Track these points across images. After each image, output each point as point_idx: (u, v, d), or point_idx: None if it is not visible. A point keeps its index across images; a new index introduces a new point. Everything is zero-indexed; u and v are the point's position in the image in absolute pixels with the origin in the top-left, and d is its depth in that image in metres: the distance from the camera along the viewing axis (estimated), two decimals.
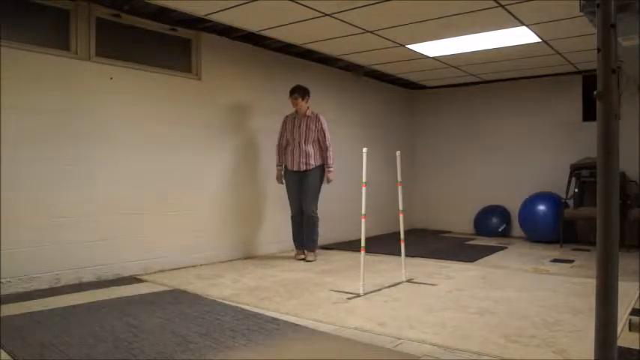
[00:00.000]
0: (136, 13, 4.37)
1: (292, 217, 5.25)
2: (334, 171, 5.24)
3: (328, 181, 5.23)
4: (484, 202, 7.48)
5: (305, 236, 5.21)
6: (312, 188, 5.13)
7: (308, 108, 5.17)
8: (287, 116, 5.27)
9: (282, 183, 5.25)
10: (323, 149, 5.18)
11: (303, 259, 5.18)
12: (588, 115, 6.66)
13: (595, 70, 1.35)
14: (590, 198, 6.19)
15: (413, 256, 5.31)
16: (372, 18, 4.42)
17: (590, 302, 3.33)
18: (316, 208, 5.18)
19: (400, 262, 4.23)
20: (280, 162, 5.26)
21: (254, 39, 5.21)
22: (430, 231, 7.88)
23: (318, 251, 5.40)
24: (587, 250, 5.88)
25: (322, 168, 5.19)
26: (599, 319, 1.33)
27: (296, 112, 5.18)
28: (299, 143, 5.11)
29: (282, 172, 5.24)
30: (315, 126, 5.12)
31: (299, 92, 5.09)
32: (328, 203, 6.45)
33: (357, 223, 4.04)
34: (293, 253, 5.40)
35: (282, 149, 5.25)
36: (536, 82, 7.01)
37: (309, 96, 5.16)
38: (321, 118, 5.16)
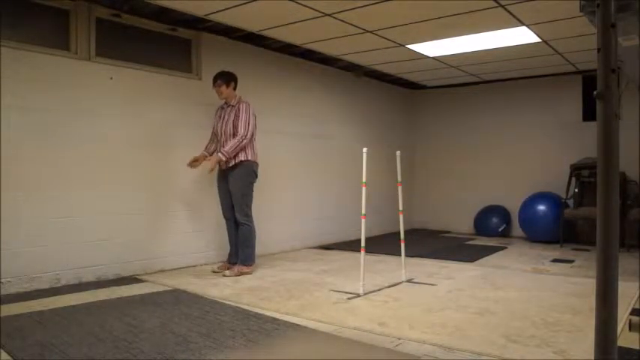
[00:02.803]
0: (136, 13, 4.37)
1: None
2: (222, 159, 4.25)
3: (210, 169, 4.29)
4: (484, 202, 7.48)
5: (239, 248, 4.48)
6: (235, 190, 4.37)
7: (236, 96, 4.50)
8: (218, 107, 4.64)
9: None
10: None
11: (222, 273, 4.38)
12: (588, 115, 6.66)
13: (595, 70, 1.35)
14: (590, 198, 6.19)
15: (413, 256, 5.30)
16: (372, 18, 4.42)
17: (590, 302, 3.33)
18: (247, 215, 4.41)
19: (400, 262, 4.23)
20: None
21: (254, 39, 5.21)
22: (430, 231, 7.88)
23: (255, 264, 4.54)
24: (587, 250, 5.88)
25: (247, 165, 4.38)
26: (599, 319, 1.32)
27: (225, 102, 4.54)
28: (222, 137, 4.46)
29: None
30: (236, 115, 4.39)
31: (221, 78, 4.44)
32: (328, 203, 6.47)
33: (357, 223, 4.04)
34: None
35: (209, 144, 4.63)
36: (536, 82, 7.01)
37: (235, 82, 4.50)
38: (242, 105, 4.39)
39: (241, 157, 4.37)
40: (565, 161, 6.49)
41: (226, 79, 4.47)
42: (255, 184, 4.54)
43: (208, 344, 2.56)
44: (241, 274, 4.36)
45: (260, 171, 4.57)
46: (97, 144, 4.12)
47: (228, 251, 4.63)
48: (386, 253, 5.51)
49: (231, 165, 4.37)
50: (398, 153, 4.26)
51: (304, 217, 6.16)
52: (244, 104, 4.41)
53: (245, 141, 4.33)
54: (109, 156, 4.20)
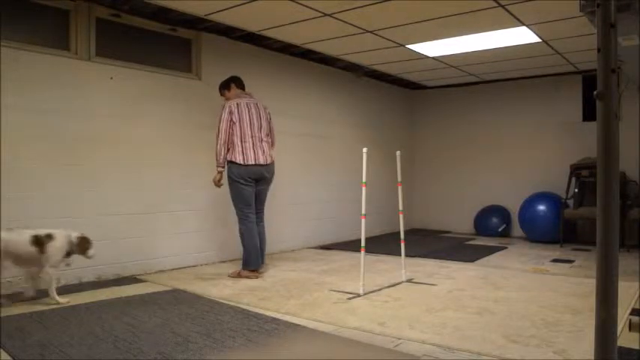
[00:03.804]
0: (136, 13, 4.37)
1: None
2: (216, 170, 4.32)
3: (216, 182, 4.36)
4: (484, 202, 7.48)
5: None
6: (230, 191, 4.39)
7: (235, 97, 4.44)
8: None
9: None
10: None
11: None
12: (588, 115, 6.66)
13: (595, 70, 1.35)
14: (590, 198, 6.19)
15: (413, 256, 5.30)
16: (372, 18, 4.42)
17: (590, 302, 3.33)
18: (239, 217, 4.33)
19: (400, 262, 4.23)
20: None
21: (254, 39, 5.21)
22: (430, 231, 7.88)
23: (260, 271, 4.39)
24: (587, 250, 5.88)
25: (229, 166, 4.31)
26: (599, 319, 1.32)
27: None
28: None
29: None
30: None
31: (222, 87, 4.53)
32: (328, 203, 6.47)
33: (357, 223, 4.03)
34: None
35: None
36: (537, 82, 7.01)
37: (234, 81, 4.50)
38: (226, 103, 4.35)
39: (230, 156, 4.28)
40: (565, 161, 6.49)
41: (225, 85, 4.51)
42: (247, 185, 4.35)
43: (208, 344, 2.56)
44: (239, 276, 4.29)
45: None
46: (97, 144, 4.12)
47: None
48: (386, 253, 5.51)
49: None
50: (398, 153, 4.26)
51: (304, 217, 6.16)
52: (227, 103, 4.33)
53: (218, 143, 4.26)
54: (109, 156, 4.20)
